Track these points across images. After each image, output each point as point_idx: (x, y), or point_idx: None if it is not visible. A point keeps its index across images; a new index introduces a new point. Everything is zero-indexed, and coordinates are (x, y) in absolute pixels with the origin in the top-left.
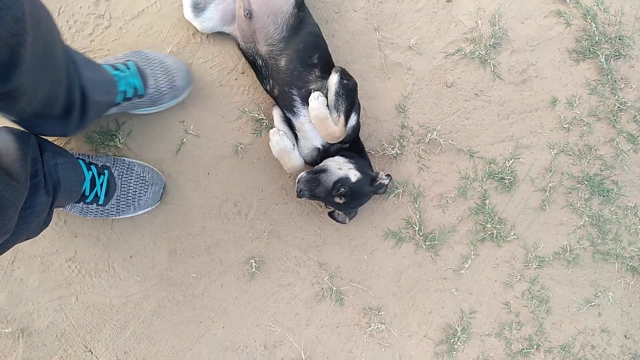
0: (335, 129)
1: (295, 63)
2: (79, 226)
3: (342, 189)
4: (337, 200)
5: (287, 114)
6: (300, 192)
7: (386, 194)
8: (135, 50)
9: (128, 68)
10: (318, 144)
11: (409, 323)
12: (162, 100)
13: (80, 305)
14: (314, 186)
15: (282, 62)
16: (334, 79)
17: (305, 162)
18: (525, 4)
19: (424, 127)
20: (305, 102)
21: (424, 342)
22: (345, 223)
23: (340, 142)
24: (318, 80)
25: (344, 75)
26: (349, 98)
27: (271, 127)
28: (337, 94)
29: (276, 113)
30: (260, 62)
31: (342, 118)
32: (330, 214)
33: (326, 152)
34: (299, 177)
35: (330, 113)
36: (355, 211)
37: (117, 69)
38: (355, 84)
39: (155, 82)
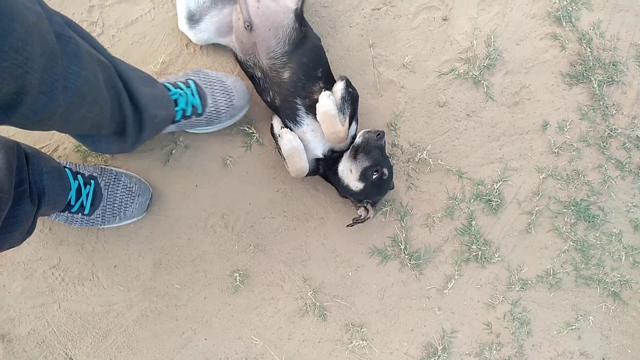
0: (341, 128)
1: (299, 75)
2: (64, 234)
3: (384, 171)
4: (371, 178)
5: (289, 124)
6: (383, 133)
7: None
8: (196, 69)
9: (188, 87)
10: (319, 153)
11: (391, 340)
12: (219, 120)
13: (62, 312)
14: (379, 149)
15: (286, 75)
16: (340, 85)
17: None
18: (522, 25)
19: (414, 146)
20: (310, 111)
21: (404, 359)
22: (371, 217)
23: (338, 153)
24: (322, 91)
25: (349, 83)
26: (353, 104)
27: (260, 141)
28: (343, 98)
29: (276, 122)
30: (260, 74)
31: (347, 120)
32: (354, 221)
33: (326, 162)
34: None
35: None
36: (376, 205)
37: (177, 87)
38: (357, 94)
39: (214, 102)
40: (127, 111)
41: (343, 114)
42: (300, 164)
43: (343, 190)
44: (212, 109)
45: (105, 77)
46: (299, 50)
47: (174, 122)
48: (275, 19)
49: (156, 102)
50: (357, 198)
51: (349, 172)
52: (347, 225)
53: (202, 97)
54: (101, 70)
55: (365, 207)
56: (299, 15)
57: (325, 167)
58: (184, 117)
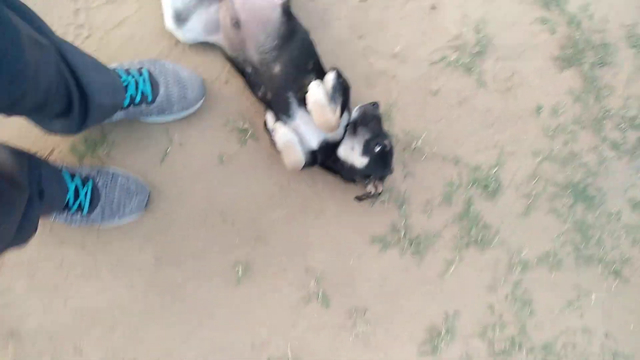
0: (332, 116)
1: (290, 69)
2: (64, 234)
3: (386, 142)
4: (374, 150)
5: (282, 118)
6: (377, 104)
7: (374, 199)
8: (153, 59)
9: (141, 75)
10: (314, 144)
11: (394, 324)
12: (170, 110)
13: (68, 309)
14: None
15: (277, 69)
16: (330, 75)
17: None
18: (511, 10)
19: (409, 134)
20: (302, 103)
21: (408, 342)
22: (379, 192)
23: (333, 144)
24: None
25: (340, 74)
26: (344, 94)
27: (254, 137)
28: (334, 87)
29: (269, 117)
30: (250, 69)
31: (338, 109)
32: (364, 196)
33: (323, 152)
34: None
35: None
36: (384, 180)
37: (129, 74)
38: (348, 85)
39: (166, 92)
40: (74, 96)
41: (334, 102)
42: (295, 156)
43: (348, 173)
44: (163, 98)
45: (46, 61)
46: (289, 44)
47: (122, 108)
48: (263, 14)
49: (105, 90)
50: (363, 175)
51: (350, 150)
52: (356, 198)
53: (153, 85)
54: (42, 54)
55: (373, 183)
56: (286, 9)
57: (323, 157)
58: (133, 104)
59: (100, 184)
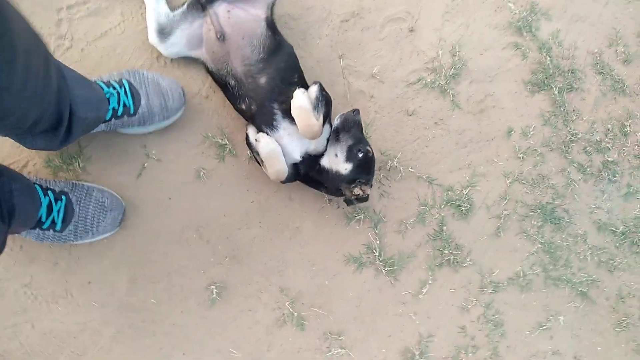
0: (315, 122)
1: (276, 81)
2: (35, 251)
3: (369, 148)
4: (357, 156)
5: (266, 129)
6: (357, 110)
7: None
8: (132, 70)
9: (122, 86)
10: (297, 156)
11: (369, 347)
12: (152, 120)
13: (36, 332)
14: (358, 126)
15: (262, 80)
16: (314, 87)
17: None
18: (485, 35)
19: (385, 154)
20: (286, 115)
21: None
22: (367, 195)
23: (315, 157)
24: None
25: (322, 87)
26: (326, 105)
27: (233, 152)
28: (317, 98)
29: (251, 131)
30: (233, 82)
31: (321, 117)
32: (348, 201)
33: (306, 165)
34: (355, 110)
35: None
36: (370, 183)
37: (110, 86)
38: (331, 99)
39: (147, 102)
40: (65, 112)
41: (317, 111)
42: (279, 166)
43: (333, 181)
44: (145, 109)
45: (57, 77)
46: (275, 57)
47: (104, 121)
48: (248, 28)
49: (89, 104)
50: (349, 180)
51: (334, 156)
52: (345, 201)
53: (134, 97)
54: (55, 71)
55: (360, 187)
56: (271, 24)
57: (306, 169)
58: (115, 116)
59: (74, 199)
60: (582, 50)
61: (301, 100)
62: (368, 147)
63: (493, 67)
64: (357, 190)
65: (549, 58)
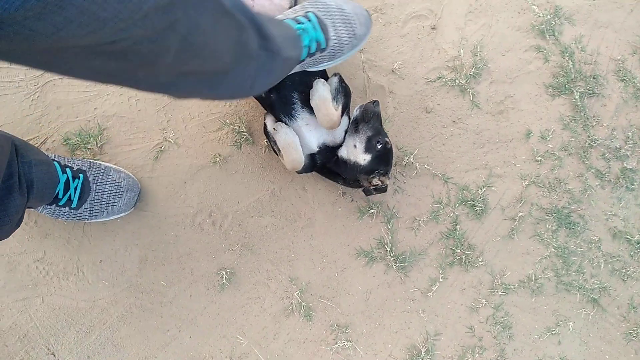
0: (334, 112)
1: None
2: (49, 227)
3: (388, 139)
4: (376, 147)
5: (284, 119)
6: (377, 101)
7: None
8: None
9: (309, 20)
10: (314, 146)
11: (375, 342)
12: (342, 52)
13: (45, 307)
14: (377, 117)
15: None
16: (334, 78)
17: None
18: (507, 37)
19: (402, 150)
20: (305, 104)
21: None
22: (386, 186)
23: (332, 148)
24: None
25: (342, 79)
26: (346, 97)
27: (250, 140)
28: (337, 89)
29: (269, 120)
30: None
31: (340, 107)
32: (367, 191)
33: (323, 155)
34: (374, 102)
35: None
36: (388, 175)
37: (299, 22)
38: (350, 91)
39: (336, 33)
40: (262, 57)
41: (336, 102)
42: (296, 155)
43: (351, 171)
44: (335, 41)
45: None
46: None
47: (300, 61)
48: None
49: (288, 42)
50: (367, 171)
51: (353, 147)
52: (364, 191)
53: (324, 30)
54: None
55: (379, 177)
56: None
57: (323, 160)
58: (309, 54)
59: (91, 178)
60: (605, 56)
61: (321, 90)
62: (387, 139)
63: (514, 68)
64: (375, 181)
65: (571, 62)
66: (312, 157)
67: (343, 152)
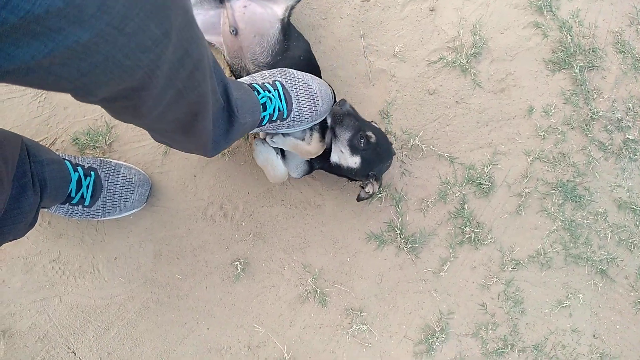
0: (308, 148)
1: None
2: (63, 227)
3: (369, 134)
4: (362, 146)
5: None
6: (342, 101)
7: (369, 198)
8: (282, 69)
9: (275, 89)
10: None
11: (390, 324)
12: (300, 124)
13: (63, 306)
14: (349, 115)
15: None
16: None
17: (296, 177)
18: (505, 15)
19: (407, 133)
20: None
21: (404, 342)
22: (375, 192)
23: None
24: None
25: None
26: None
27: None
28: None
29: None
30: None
31: (313, 137)
32: (359, 198)
33: (319, 161)
34: (339, 101)
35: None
36: (381, 178)
37: (265, 89)
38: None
39: (299, 106)
40: (221, 119)
41: (310, 135)
42: (274, 172)
43: (348, 173)
44: (296, 113)
45: (212, 82)
46: (282, 62)
47: (259, 125)
48: (261, 27)
49: (246, 108)
50: (363, 173)
51: (340, 153)
52: (358, 199)
53: (287, 100)
54: (213, 78)
55: (370, 182)
56: (285, 26)
57: (320, 163)
58: (270, 121)
59: (102, 175)
60: (603, 29)
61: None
62: (368, 133)
63: (514, 46)
64: (368, 188)
65: (569, 37)
66: (309, 162)
67: (334, 158)
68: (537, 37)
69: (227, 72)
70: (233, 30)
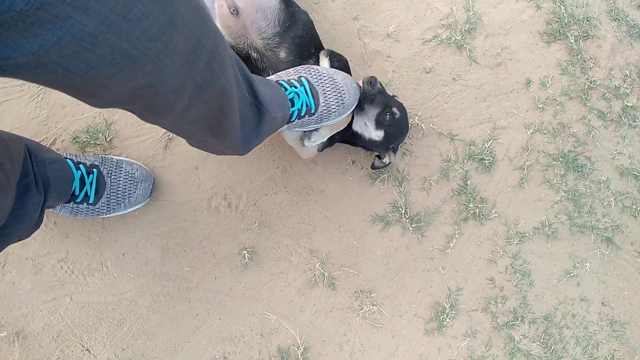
0: (308, 152)
1: (294, 55)
2: (69, 226)
3: (394, 110)
4: (387, 122)
5: None
6: (373, 79)
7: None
8: (306, 66)
9: (302, 85)
10: None
11: (400, 303)
12: (328, 118)
13: (74, 305)
14: (380, 93)
15: (282, 54)
16: (325, 64)
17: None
18: None
19: None
20: None
21: (414, 320)
22: (391, 162)
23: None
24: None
25: (333, 57)
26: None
27: None
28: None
29: None
30: (256, 55)
31: (312, 140)
32: (374, 166)
33: (339, 133)
34: (370, 79)
35: None
36: (397, 149)
37: (292, 86)
38: (345, 61)
39: (325, 100)
40: (250, 114)
41: (308, 138)
42: (302, 152)
43: (369, 145)
44: (323, 108)
45: (237, 78)
46: (291, 30)
47: (288, 122)
48: (261, 1)
49: (276, 103)
50: (383, 146)
51: (364, 125)
52: (372, 167)
53: (314, 95)
54: (235, 72)
55: (388, 154)
56: None
57: (340, 135)
58: (298, 117)
59: (105, 172)
60: None
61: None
62: (394, 109)
63: (507, 19)
64: (386, 159)
65: (562, 7)
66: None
67: (356, 127)
68: (530, 9)
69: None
70: (234, 10)
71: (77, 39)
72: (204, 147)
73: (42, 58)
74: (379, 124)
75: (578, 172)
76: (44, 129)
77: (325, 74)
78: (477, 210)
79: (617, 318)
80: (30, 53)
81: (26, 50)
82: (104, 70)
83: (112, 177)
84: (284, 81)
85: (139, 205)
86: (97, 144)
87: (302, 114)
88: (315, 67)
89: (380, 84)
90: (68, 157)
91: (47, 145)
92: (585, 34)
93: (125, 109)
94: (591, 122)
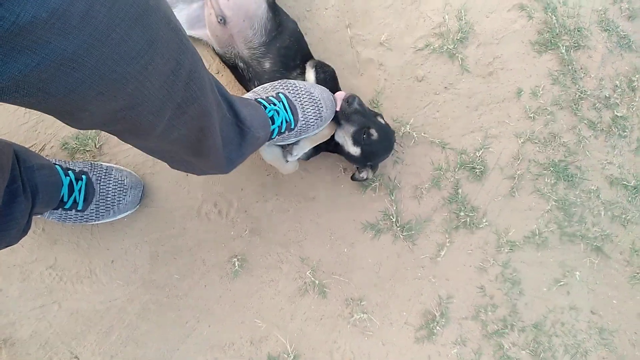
0: (286, 168)
1: (278, 66)
2: (57, 233)
3: (371, 131)
4: (363, 140)
5: None
6: (351, 98)
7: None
8: (282, 81)
9: (280, 101)
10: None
11: (390, 311)
12: (307, 131)
13: (63, 312)
14: (357, 112)
15: (267, 64)
16: (310, 76)
17: (299, 160)
18: None
19: (397, 121)
20: None
21: (405, 328)
22: (368, 178)
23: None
24: (299, 78)
25: (319, 69)
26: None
27: None
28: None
29: None
30: (242, 64)
31: (293, 155)
32: (353, 177)
33: (324, 142)
34: (349, 98)
35: None
36: (377, 167)
37: (271, 103)
38: (333, 72)
39: (304, 115)
40: (232, 134)
41: (290, 154)
42: (282, 168)
43: (349, 158)
44: (302, 122)
45: (215, 97)
46: (277, 40)
47: (269, 139)
48: (249, 9)
49: (257, 122)
50: (362, 162)
51: (344, 139)
52: (352, 179)
53: (293, 111)
54: (215, 93)
55: (366, 170)
56: (272, 5)
57: (325, 144)
58: (279, 133)
59: (94, 178)
60: (587, 8)
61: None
62: (372, 130)
63: (499, 29)
64: (363, 174)
65: (554, 17)
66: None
67: (338, 138)
68: (522, 19)
69: (217, 63)
70: (221, 20)
71: (57, 63)
72: (186, 169)
73: (22, 82)
74: (355, 142)
75: (568, 181)
76: (33, 135)
77: (302, 88)
78: (467, 219)
79: (606, 326)
80: (9, 78)
81: (5, 75)
82: (84, 92)
83: (101, 183)
84: (263, 99)
85: (129, 212)
86: (87, 151)
87: (283, 130)
88: (292, 81)
89: (360, 104)
90: (57, 163)
91: (36, 151)
92: (576, 45)
93: (107, 131)
94: (581, 132)
